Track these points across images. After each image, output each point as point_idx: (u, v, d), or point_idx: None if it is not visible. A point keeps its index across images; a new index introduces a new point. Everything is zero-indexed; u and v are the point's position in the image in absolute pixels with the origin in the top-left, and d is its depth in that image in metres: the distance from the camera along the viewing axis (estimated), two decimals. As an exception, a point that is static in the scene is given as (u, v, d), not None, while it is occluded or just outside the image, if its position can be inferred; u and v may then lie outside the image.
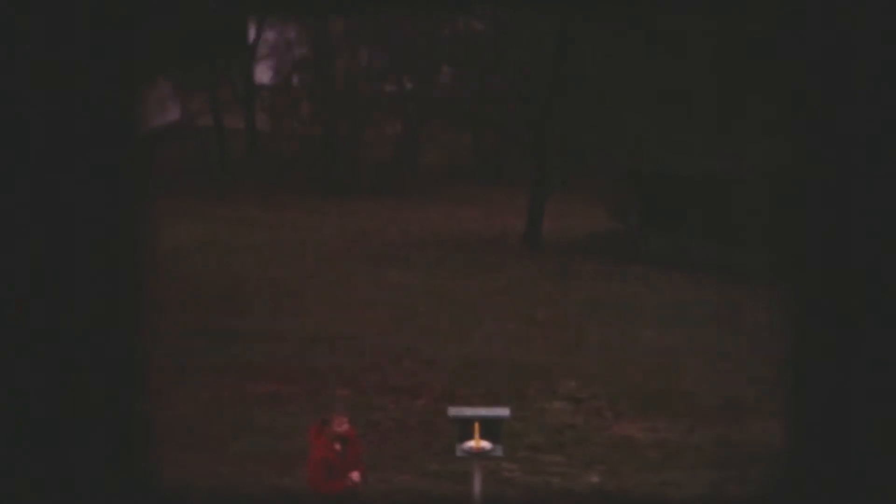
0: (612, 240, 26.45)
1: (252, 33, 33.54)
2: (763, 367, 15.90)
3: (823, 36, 8.15)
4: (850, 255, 8.15)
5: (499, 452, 11.76)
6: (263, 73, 33.61)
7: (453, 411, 12.14)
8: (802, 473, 8.35)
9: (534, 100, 26.35)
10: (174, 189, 29.74)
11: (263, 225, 27.72)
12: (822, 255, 8.22)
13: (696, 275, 23.29)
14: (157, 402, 15.67)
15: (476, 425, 11.60)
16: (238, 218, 28.24)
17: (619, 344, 19.04)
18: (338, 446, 10.93)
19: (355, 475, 10.92)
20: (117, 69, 8.24)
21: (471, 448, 11.62)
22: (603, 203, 28.15)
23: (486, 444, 11.61)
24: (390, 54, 32.20)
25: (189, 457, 14.28)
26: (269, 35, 33.16)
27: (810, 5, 8.10)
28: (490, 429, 11.67)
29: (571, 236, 27.18)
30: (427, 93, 32.33)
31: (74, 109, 8.20)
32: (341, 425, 10.97)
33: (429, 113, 32.48)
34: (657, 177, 25.90)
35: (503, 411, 12.20)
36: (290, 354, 18.13)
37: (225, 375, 17.16)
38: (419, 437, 15.04)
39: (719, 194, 24.78)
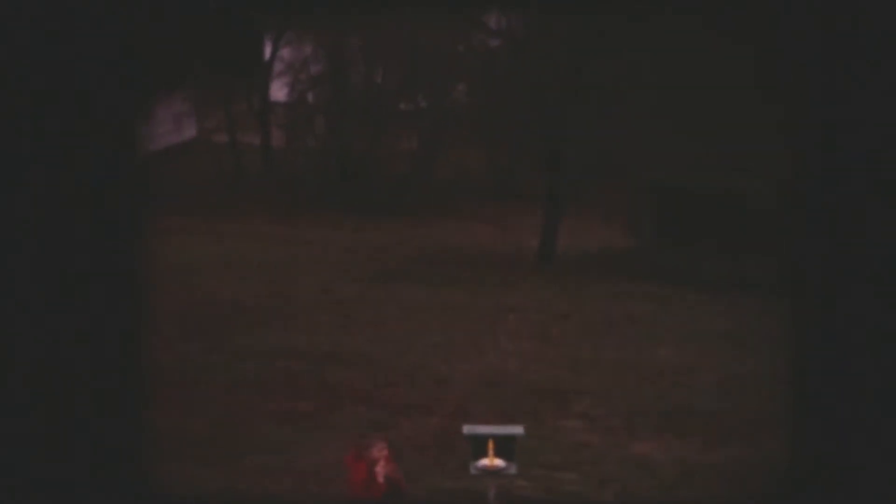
0: (627, 257, 26.39)
1: (267, 51, 33.61)
2: (779, 385, 15.82)
3: (841, 54, 8.15)
4: (853, 265, 8.14)
5: (513, 470, 11.75)
6: (279, 91, 33.67)
7: (467, 429, 12.14)
8: (802, 475, 8.34)
9: (548, 115, 26.34)
10: (189, 205, 29.79)
11: (278, 241, 27.73)
12: (825, 266, 8.21)
13: (712, 292, 23.20)
14: (172, 417, 15.70)
15: (490, 443, 11.60)
16: (252, 234, 28.27)
17: (635, 362, 18.97)
18: (377, 470, 10.99)
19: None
20: (123, 85, 8.26)
21: (485, 466, 11.61)
22: (618, 220, 28.10)
23: (500, 462, 11.60)
24: (405, 71, 32.24)
25: (203, 472, 14.29)
26: (285, 52, 33.23)
27: (827, 22, 8.11)
28: (504, 447, 11.67)
29: (586, 253, 27.13)
30: (442, 109, 32.35)
31: (78, 125, 8.22)
32: (380, 451, 11.05)
33: (444, 129, 32.49)
34: (673, 193, 25.85)
35: (517, 429, 12.18)
36: (304, 371, 18.12)
37: (239, 392, 17.17)
38: (433, 454, 15.01)
39: (736, 211, 24.71)
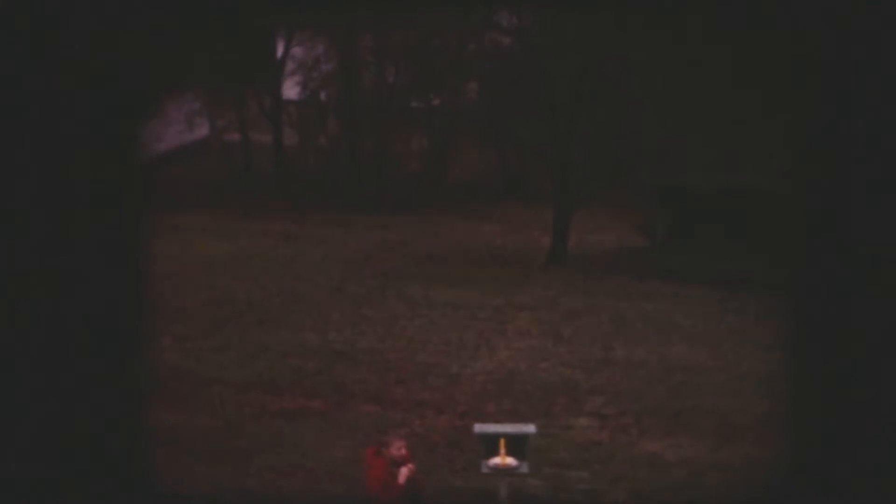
0: (638, 255, 26.37)
1: (279, 49, 33.65)
2: (789, 385, 15.79)
3: (843, 54, 8.15)
4: (852, 263, 8.14)
5: (524, 469, 11.76)
6: (291, 89, 33.69)
7: (479, 428, 12.16)
8: (808, 475, 8.34)
9: (559, 115, 26.34)
10: (201, 204, 29.85)
11: (289, 239, 27.77)
12: (831, 266, 8.22)
13: (722, 291, 23.19)
14: (183, 415, 15.74)
15: (502, 442, 11.61)
16: (264, 232, 28.32)
17: (646, 360, 18.97)
18: (399, 469, 11.00)
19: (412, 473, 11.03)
20: (126, 84, 8.27)
21: (496, 465, 11.62)
22: (629, 219, 28.09)
23: (511, 461, 11.61)
24: (417, 69, 32.25)
25: (213, 470, 14.32)
26: (297, 51, 33.25)
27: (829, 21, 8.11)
28: (516, 445, 11.68)
29: (597, 252, 27.12)
30: (453, 108, 32.37)
31: (79, 125, 8.23)
32: (399, 450, 11.06)
33: (455, 128, 32.51)
34: (683, 192, 25.83)
35: (529, 428, 12.19)
36: (314, 369, 18.15)
37: (250, 390, 17.20)
38: (444, 453, 15.03)
39: (745, 209, 24.68)
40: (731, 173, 24.24)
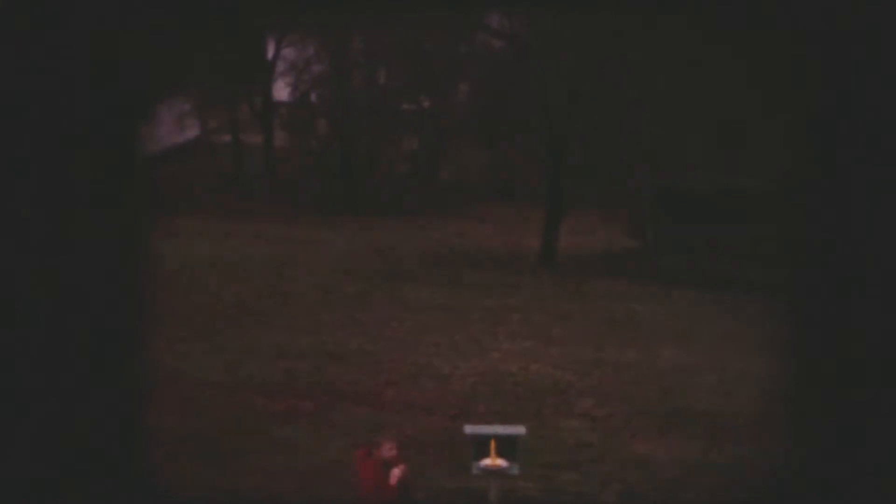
0: (629, 257, 26.43)
1: (271, 51, 33.64)
2: (780, 386, 15.83)
3: (843, 55, 8.19)
4: (852, 263, 8.18)
5: (515, 471, 11.78)
6: (281, 91, 33.71)
7: (469, 429, 12.18)
8: (803, 475, 8.37)
9: (551, 117, 26.37)
10: (192, 205, 29.82)
11: (280, 241, 27.76)
12: (825, 267, 8.25)
13: (713, 292, 23.24)
14: (175, 417, 15.72)
15: (492, 443, 11.63)
16: (255, 234, 28.31)
17: (637, 362, 19.01)
18: (390, 470, 11.01)
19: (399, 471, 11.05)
20: (124, 85, 8.28)
21: (487, 466, 11.64)
22: (620, 220, 28.13)
23: (502, 462, 11.63)
24: (409, 71, 32.27)
25: (206, 471, 14.31)
26: (288, 52, 33.26)
27: (829, 23, 8.14)
28: (506, 447, 11.70)
29: (588, 254, 27.17)
30: (445, 110, 32.41)
31: (79, 126, 8.23)
32: (390, 451, 11.08)
33: (446, 130, 32.54)
34: (674, 194, 25.88)
35: (519, 429, 12.21)
36: (306, 371, 18.15)
37: (242, 392, 17.19)
38: (435, 454, 15.03)
39: (737, 211, 24.74)
40: (724, 176, 24.31)
